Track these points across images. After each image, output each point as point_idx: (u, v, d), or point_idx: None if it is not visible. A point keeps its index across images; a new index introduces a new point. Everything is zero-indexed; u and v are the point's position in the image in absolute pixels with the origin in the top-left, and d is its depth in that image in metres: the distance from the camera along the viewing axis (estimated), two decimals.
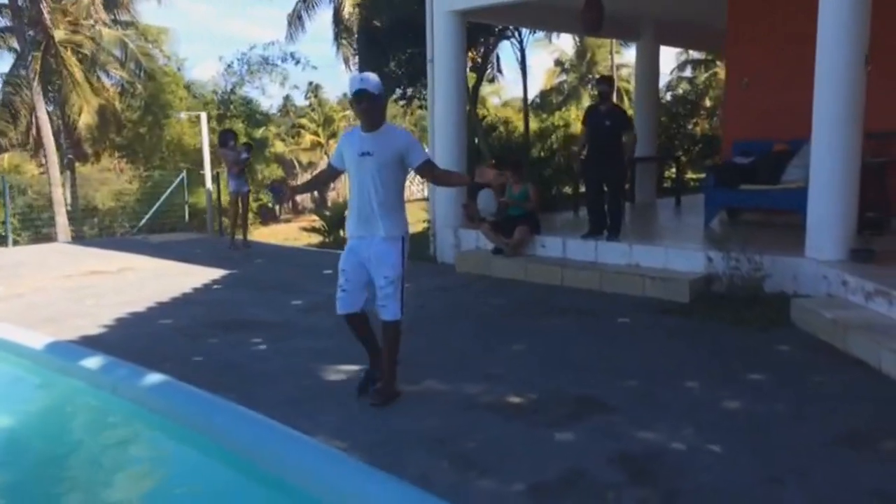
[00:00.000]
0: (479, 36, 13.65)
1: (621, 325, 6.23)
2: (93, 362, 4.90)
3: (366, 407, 4.25)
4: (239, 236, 11.16)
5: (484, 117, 15.39)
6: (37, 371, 5.28)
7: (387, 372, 4.35)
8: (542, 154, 14.31)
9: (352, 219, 4.25)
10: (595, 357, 5.30)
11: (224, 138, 10.96)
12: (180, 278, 8.56)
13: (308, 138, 38.24)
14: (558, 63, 40.22)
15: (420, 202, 20.93)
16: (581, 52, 37.79)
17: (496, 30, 13.62)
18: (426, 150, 4.37)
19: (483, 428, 3.99)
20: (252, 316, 6.62)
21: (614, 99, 8.21)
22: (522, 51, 15.95)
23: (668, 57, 38.47)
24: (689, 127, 18.52)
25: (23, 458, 4.20)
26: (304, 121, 38.77)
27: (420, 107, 15.02)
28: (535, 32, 15.29)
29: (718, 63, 30.31)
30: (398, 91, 14.31)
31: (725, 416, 4.14)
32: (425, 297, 7.25)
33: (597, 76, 37.60)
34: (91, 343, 5.58)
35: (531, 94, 38.60)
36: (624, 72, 37.80)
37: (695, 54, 33.64)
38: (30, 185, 21.26)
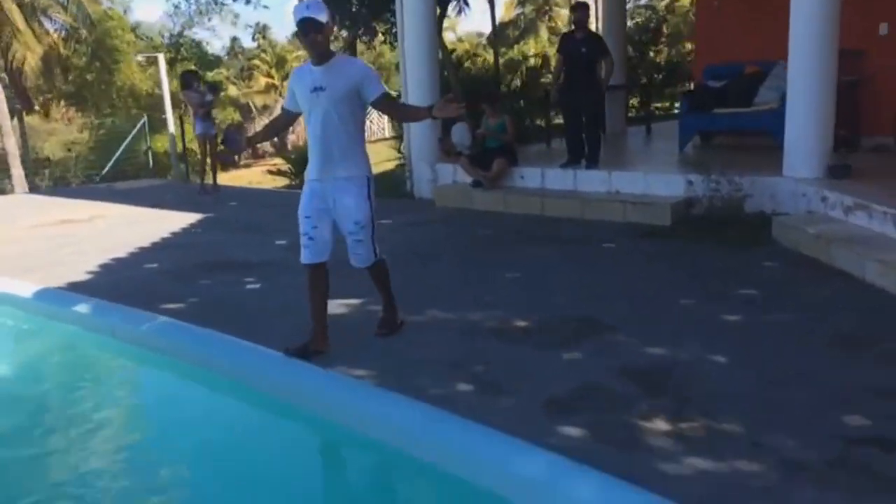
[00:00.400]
0: None
1: (607, 249, 6.33)
2: (87, 307, 4.86)
3: (373, 338, 4.28)
4: (208, 180, 10.96)
5: (453, 51, 15.18)
6: (30, 319, 5.22)
7: (387, 304, 4.35)
8: (515, 86, 14.17)
9: (311, 161, 3.92)
10: (587, 281, 5.39)
11: (187, 80, 10.64)
12: (156, 223, 8.41)
13: (262, 81, 37.29)
14: None
15: (384, 141, 20.71)
16: None
17: None
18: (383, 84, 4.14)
19: (491, 351, 4.06)
20: (238, 257, 6.56)
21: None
22: None
23: None
24: (651, 55, 18.50)
25: (25, 406, 4.17)
26: (256, 62, 37.77)
27: (383, 42, 14.72)
28: None
29: None
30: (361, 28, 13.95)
31: (721, 329, 4.27)
32: (408, 231, 7.27)
33: (552, 7, 37.24)
34: (80, 289, 5.50)
35: (486, 28, 38.17)
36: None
37: None
38: None
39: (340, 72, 3.78)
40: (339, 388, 3.54)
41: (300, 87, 3.85)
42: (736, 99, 8.57)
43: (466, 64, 15.03)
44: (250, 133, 4.99)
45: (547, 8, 38.13)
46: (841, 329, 4.15)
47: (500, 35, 37.38)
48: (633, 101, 16.95)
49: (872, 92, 8.13)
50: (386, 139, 23.93)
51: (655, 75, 17.77)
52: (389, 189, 9.54)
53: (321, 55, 3.77)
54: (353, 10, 12.38)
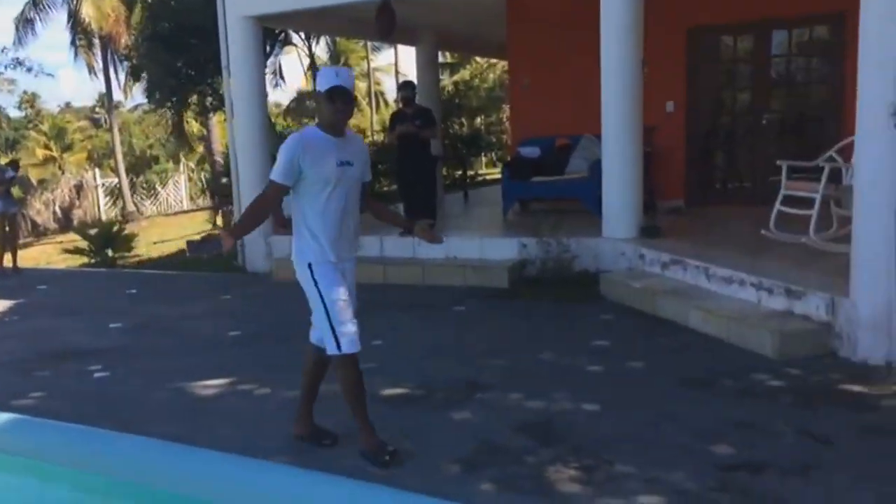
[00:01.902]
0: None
1: (458, 312, 6.63)
2: None
3: (259, 415, 4.20)
4: (8, 263, 10.00)
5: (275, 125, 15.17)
6: None
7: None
8: None
9: (328, 240, 3.50)
10: (449, 344, 5.64)
11: None
12: None
13: (39, 153, 34.65)
14: (312, 67, 40.25)
15: (200, 212, 19.89)
16: (335, 56, 38.15)
17: (278, 36, 13.44)
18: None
19: (382, 418, 4.12)
20: (75, 344, 6.08)
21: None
22: (311, 56, 15.89)
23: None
24: (456, 128, 19.62)
25: None
26: (31, 133, 35.15)
27: (199, 113, 14.39)
28: (315, 38, 15.32)
29: (467, 66, 32.37)
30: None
31: (586, 378, 4.68)
32: (254, 306, 7.13)
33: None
34: None
35: (286, 99, 38.52)
36: (377, 75, 39.01)
37: (440, 58, 35.51)
38: None
39: (357, 146, 3.62)
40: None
41: (320, 159, 3.41)
42: (550, 169, 9.40)
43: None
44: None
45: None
46: (685, 371, 4.70)
47: (300, 105, 37.78)
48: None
49: (664, 161, 9.28)
50: (191, 211, 23.09)
51: (459, 145, 18.86)
52: (218, 263, 9.25)
53: (344, 128, 3.53)
54: (179, 80, 11.91)
